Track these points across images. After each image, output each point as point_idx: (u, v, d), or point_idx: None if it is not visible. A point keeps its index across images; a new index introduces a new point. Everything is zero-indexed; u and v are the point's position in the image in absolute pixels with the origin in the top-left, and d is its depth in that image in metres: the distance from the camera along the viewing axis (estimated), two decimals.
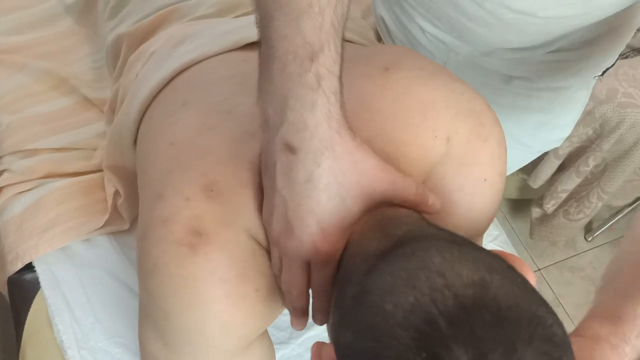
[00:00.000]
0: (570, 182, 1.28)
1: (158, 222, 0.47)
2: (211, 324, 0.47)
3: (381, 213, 0.45)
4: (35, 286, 0.71)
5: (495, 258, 0.39)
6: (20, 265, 0.73)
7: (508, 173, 0.75)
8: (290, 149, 0.42)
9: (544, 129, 0.88)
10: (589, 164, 1.23)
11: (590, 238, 1.60)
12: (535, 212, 1.43)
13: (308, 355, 0.73)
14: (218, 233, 0.46)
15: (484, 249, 0.40)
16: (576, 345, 0.42)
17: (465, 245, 0.40)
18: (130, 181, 0.74)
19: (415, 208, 0.47)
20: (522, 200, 1.56)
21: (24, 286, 0.72)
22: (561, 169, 1.31)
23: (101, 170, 0.77)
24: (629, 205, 1.49)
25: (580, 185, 1.30)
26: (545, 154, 1.26)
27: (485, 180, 0.56)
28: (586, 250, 1.61)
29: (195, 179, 0.48)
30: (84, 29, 0.94)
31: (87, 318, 0.69)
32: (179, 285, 0.46)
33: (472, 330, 0.32)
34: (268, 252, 0.50)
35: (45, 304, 0.70)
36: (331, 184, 0.43)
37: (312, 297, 0.49)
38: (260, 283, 0.49)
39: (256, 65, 0.43)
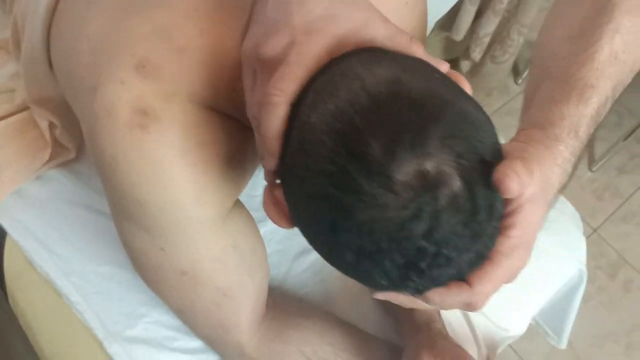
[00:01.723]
0: (489, 25, 1.32)
1: (101, 114, 0.46)
2: (185, 195, 0.48)
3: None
4: (1, 235, 0.70)
5: (420, 62, 0.39)
6: None
7: (430, 27, 0.76)
8: None
9: None
10: (503, 1, 1.27)
11: (520, 80, 1.68)
12: (465, 65, 1.48)
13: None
14: (163, 107, 0.46)
15: (415, 57, 0.39)
16: (508, 146, 0.42)
17: (393, 53, 0.39)
18: (62, 110, 0.71)
19: None
20: (450, 61, 1.61)
21: None
22: (478, 15, 1.35)
23: (28, 108, 0.74)
24: None
25: (499, 26, 1.34)
26: (461, 3, 1.29)
27: (406, 3, 0.57)
28: (518, 93, 1.70)
29: (124, 61, 0.46)
30: None
31: (66, 249, 0.69)
32: (143, 168, 0.46)
33: (384, 120, 0.33)
34: (218, 113, 0.50)
35: (18, 247, 0.69)
36: None
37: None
38: (219, 148, 0.49)
39: None
